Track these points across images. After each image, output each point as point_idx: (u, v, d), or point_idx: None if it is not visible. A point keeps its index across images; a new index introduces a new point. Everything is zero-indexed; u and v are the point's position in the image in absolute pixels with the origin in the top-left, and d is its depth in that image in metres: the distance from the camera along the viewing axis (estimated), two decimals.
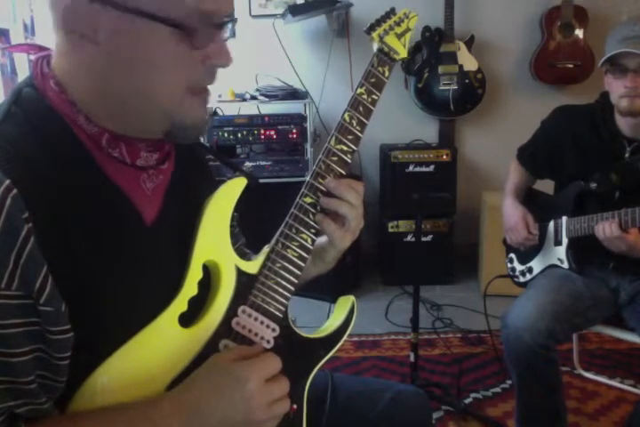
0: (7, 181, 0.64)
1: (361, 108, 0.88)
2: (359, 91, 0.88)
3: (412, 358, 2.09)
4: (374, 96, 0.89)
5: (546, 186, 1.99)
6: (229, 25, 0.74)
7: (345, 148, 0.87)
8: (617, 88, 1.62)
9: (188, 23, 0.69)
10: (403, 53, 0.91)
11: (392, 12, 0.91)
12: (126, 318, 0.74)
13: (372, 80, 0.89)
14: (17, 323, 0.65)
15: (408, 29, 0.91)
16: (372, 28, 0.89)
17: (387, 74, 0.90)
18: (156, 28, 0.68)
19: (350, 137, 0.88)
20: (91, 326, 0.71)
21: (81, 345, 0.70)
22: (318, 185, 0.86)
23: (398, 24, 0.90)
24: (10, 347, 0.65)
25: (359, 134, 0.88)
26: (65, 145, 0.72)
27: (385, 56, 0.90)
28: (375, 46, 0.90)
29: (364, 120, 0.88)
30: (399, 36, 0.90)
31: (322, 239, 0.92)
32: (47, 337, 0.67)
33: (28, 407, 0.68)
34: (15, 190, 0.64)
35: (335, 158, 0.87)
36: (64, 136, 0.72)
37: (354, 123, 0.88)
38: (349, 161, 0.88)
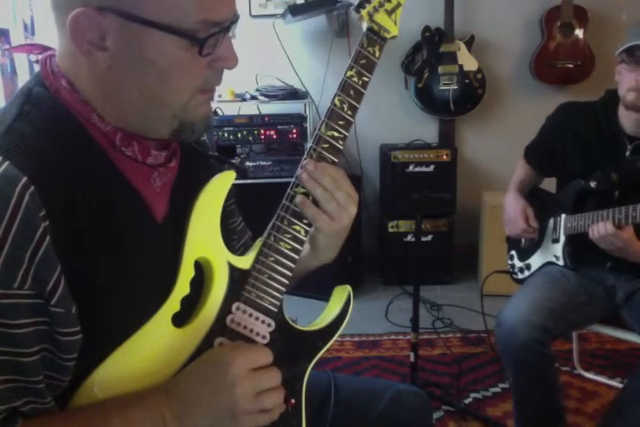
0: (24, 178, 0.64)
1: (352, 92, 0.84)
2: (349, 73, 0.84)
3: (412, 358, 2.09)
4: (365, 78, 0.85)
5: (549, 185, 1.99)
6: (234, 26, 0.75)
7: (336, 134, 0.84)
8: (627, 80, 1.60)
9: (197, 33, 0.70)
10: (394, 31, 0.86)
11: None
12: (136, 317, 0.74)
13: (362, 62, 0.85)
14: (28, 323, 0.65)
15: (399, 5, 0.86)
16: (360, 5, 0.85)
17: (377, 54, 0.85)
18: (165, 37, 0.69)
19: (341, 122, 0.84)
20: (100, 325, 0.71)
21: (86, 345, 0.70)
22: None
23: (388, 0, 0.86)
24: (19, 346, 0.65)
25: (350, 119, 0.85)
26: (79, 143, 0.72)
27: (375, 35, 0.85)
28: (365, 25, 0.86)
29: (356, 104, 0.85)
30: (389, 13, 0.86)
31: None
32: (55, 338, 0.67)
33: (32, 406, 0.68)
34: (33, 188, 0.64)
35: (326, 145, 0.84)
36: (78, 134, 0.73)
37: (345, 107, 0.84)
38: (341, 148, 0.85)
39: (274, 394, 0.75)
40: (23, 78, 2.17)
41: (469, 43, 3.17)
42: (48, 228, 0.65)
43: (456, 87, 3.14)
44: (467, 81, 3.16)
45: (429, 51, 3.15)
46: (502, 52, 3.33)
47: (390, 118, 3.27)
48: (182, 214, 0.81)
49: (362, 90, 0.85)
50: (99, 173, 0.73)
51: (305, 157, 0.84)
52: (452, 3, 3.07)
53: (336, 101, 0.84)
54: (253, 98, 2.92)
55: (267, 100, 2.89)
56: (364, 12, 0.85)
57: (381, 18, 0.85)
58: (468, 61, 3.16)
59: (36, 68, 0.78)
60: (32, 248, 0.64)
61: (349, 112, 0.84)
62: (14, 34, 2.23)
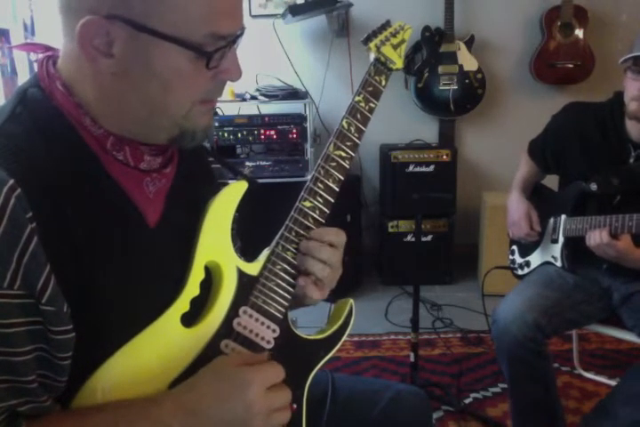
0: (11, 181, 0.64)
1: (359, 116, 0.90)
2: (357, 98, 0.90)
3: (412, 358, 2.10)
4: (372, 104, 0.91)
5: (552, 182, 1.99)
6: (240, 39, 0.76)
7: (343, 154, 0.89)
8: (632, 89, 1.59)
9: (205, 46, 0.70)
10: (399, 63, 0.93)
11: (387, 24, 0.94)
12: (128, 317, 0.74)
13: (370, 89, 0.91)
14: (19, 322, 0.66)
15: (403, 41, 0.94)
16: (368, 38, 0.92)
17: (383, 83, 0.92)
18: (172, 49, 0.69)
19: (349, 143, 0.89)
20: (93, 325, 0.71)
21: (83, 344, 0.70)
22: (317, 189, 0.88)
23: (394, 35, 0.93)
24: (12, 346, 0.66)
25: (357, 141, 0.90)
26: (70, 146, 0.73)
27: (382, 66, 0.92)
28: (372, 56, 0.92)
29: (362, 127, 0.90)
30: (395, 47, 0.93)
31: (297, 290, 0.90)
32: (49, 337, 0.68)
33: (30, 406, 0.69)
34: (19, 190, 0.65)
35: (334, 164, 0.89)
36: (69, 137, 0.73)
37: (352, 130, 0.90)
38: (348, 167, 0.90)
39: (283, 412, 0.77)
40: (23, 78, 2.17)
41: (469, 43, 3.17)
42: (35, 229, 0.65)
43: (456, 87, 3.15)
44: (467, 81, 3.16)
45: (429, 51, 3.16)
46: (502, 52, 3.33)
47: (390, 118, 3.27)
48: (178, 219, 0.82)
49: (368, 115, 0.91)
50: (88, 176, 0.73)
51: (314, 173, 0.88)
52: (452, 3, 3.08)
53: (344, 124, 0.89)
54: (253, 98, 2.92)
55: (267, 100, 2.89)
56: (371, 44, 0.92)
57: (387, 50, 0.92)
58: (468, 61, 3.16)
59: (36, 68, 0.78)
60: (20, 249, 0.64)
61: (356, 134, 0.90)
62: (14, 34, 2.24)
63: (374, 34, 0.92)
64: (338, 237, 0.89)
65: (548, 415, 1.70)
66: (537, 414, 1.70)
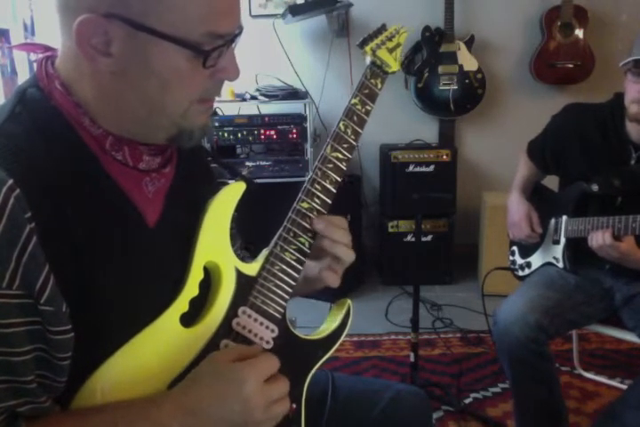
0: (10, 181, 0.65)
1: (355, 118, 0.90)
2: (353, 101, 0.91)
3: (412, 358, 2.10)
4: (368, 107, 0.91)
5: (552, 183, 1.99)
6: (238, 38, 0.76)
7: (340, 155, 0.90)
8: (632, 92, 1.58)
9: (202, 45, 0.71)
10: (394, 67, 0.94)
11: (383, 27, 0.95)
12: (127, 318, 0.74)
13: (366, 91, 0.92)
14: (18, 322, 0.66)
15: (399, 44, 0.95)
16: (364, 42, 0.93)
17: (379, 86, 0.93)
18: (170, 48, 0.69)
19: (345, 145, 0.90)
20: (92, 325, 0.71)
21: (82, 344, 0.70)
22: (315, 191, 0.89)
23: (390, 39, 0.94)
24: (11, 346, 0.66)
25: (353, 143, 0.90)
26: (69, 146, 0.73)
27: (378, 69, 0.93)
28: (368, 59, 0.93)
29: (359, 129, 0.91)
30: (391, 51, 0.94)
31: (313, 273, 0.94)
32: (48, 337, 0.68)
33: (30, 406, 0.69)
34: (18, 190, 0.65)
35: (331, 166, 0.89)
36: (68, 137, 0.73)
37: (349, 132, 0.90)
38: (344, 169, 0.90)
39: (283, 402, 0.77)
40: (23, 78, 2.17)
41: (469, 43, 3.17)
42: (34, 229, 0.65)
43: (456, 87, 3.15)
44: (467, 81, 3.16)
45: (429, 51, 3.16)
46: (502, 52, 3.33)
47: (390, 118, 3.27)
48: (177, 219, 0.82)
49: (365, 117, 0.91)
50: (87, 176, 0.73)
51: (311, 175, 0.89)
52: (452, 3, 3.08)
53: (341, 126, 0.90)
54: (253, 98, 2.92)
55: (267, 100, 2.89)
56: (367, 48, 0.93)
57: (383, 54, 0.93)
58: (468, 61, 3.16)
59: (35, 68, 0.78)
60: (19, 248, 0.64)
61: (352, 136, 0.90)
62: (14, 34, 2.24)
63: (370, 37, 0.93)
64: (343, 222, 0.93)
65: (553, 416, 1.69)
66: (541, 415, 1.69)
